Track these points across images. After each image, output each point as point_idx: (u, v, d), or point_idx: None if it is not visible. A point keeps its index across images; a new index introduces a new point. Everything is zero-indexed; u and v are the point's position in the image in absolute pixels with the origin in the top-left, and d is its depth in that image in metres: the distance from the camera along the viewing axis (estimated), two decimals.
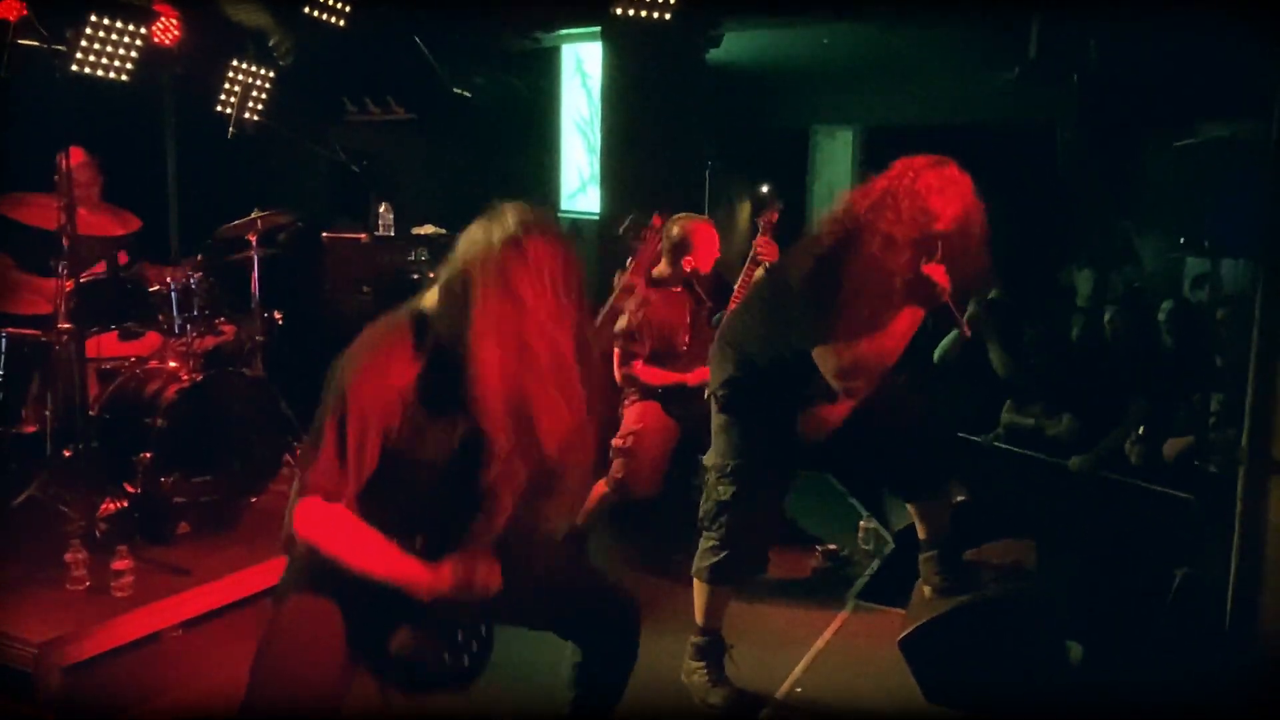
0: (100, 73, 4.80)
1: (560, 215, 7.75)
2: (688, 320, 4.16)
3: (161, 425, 3.78)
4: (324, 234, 5.91)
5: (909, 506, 3.14)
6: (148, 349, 4.17)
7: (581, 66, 7.48)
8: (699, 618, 3.10)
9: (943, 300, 2.63)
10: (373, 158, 6.18)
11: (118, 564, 3.28)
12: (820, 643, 3.49)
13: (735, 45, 6.44)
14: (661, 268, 4.19)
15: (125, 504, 3.73)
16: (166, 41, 5.20)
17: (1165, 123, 6.41)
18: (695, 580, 3.07)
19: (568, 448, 1.99)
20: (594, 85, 7.14)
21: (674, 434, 4.08)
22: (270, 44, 5.84)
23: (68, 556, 3.33)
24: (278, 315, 4.59)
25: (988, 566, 3.15)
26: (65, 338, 3.76)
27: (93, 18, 4.74)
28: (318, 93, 6.40)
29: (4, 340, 4.02)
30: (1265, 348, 2.98)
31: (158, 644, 3.28)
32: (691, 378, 4.04)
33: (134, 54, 4.91)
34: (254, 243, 4.48)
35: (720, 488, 2.95)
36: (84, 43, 4.71)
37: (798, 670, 3.29)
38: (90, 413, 3.82)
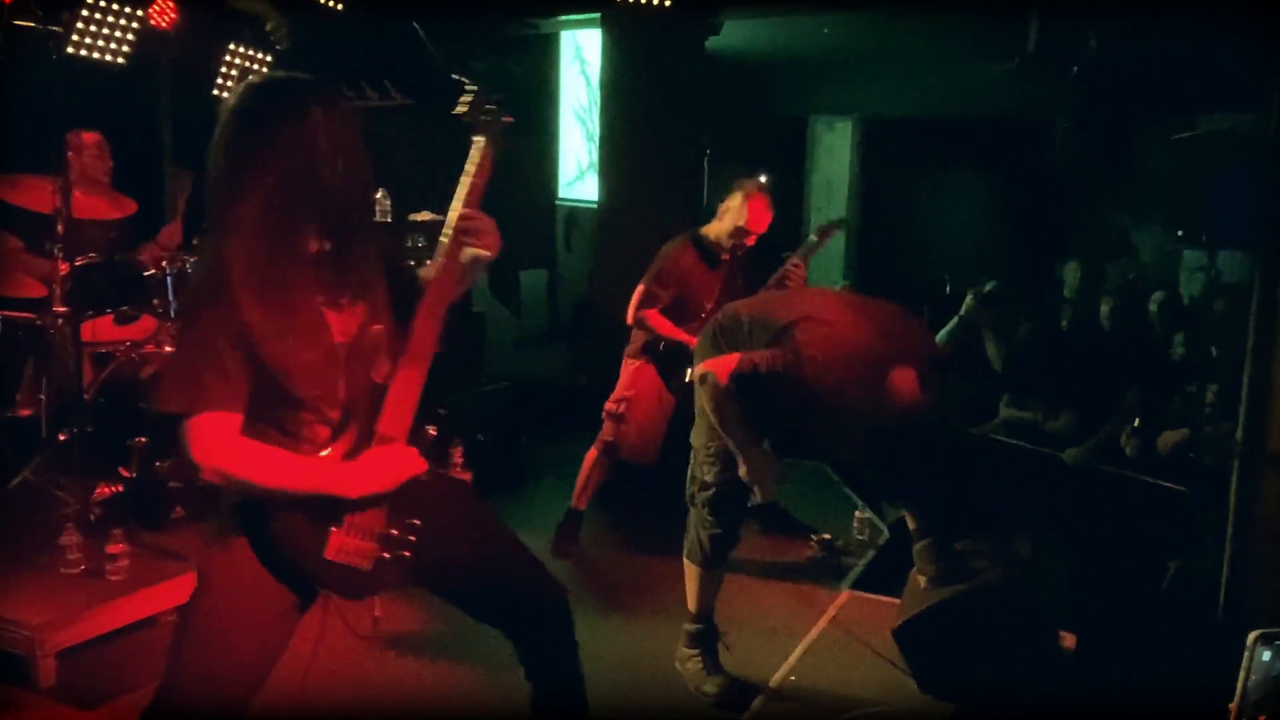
0: (97, 55, 4.77)
1: (558, 203, 7.75)
2: (716, 289, 4.09)
3: (156, 410, 3.77)
4: None
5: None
6: (143, 333, 4.16)
7: (580, 53, 7.45)
8: (690, 603, 3.11)
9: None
10: (370, 143, 6.14)
11: (112, 548, 3.28)
12: (815, 632, 3.50)
13: (734, 34, 6.42)
14: (716, 229, 4.07)
15: (120, 488, 3.73)
16: (163, 25, 5.16)
17: (1163, 115, 6.41)
18: (686, 563, 3.10)
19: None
20: (593, 72, 7.12)
21: (669, 405, 4.06)
22: (267, 28, 5.80)
23: (62, 540, 3.33)
24: None
25: (982, 557, 3.16)
26: (60, 321, 3.75)
27: (89, 0, 4.71)
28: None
29: None
30: (1261, 340, 2.98)
31: (152, 628, 3.28)
32: (694, 341, 4.01)
33: (130, 37, 4.88)
34: None
35: (704, 467, 2.98)
36: (80, 25, 4.68)
37: (792, 659, 3.31)
38: (85, 397, 3.81)
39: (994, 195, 7.32)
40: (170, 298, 4.02)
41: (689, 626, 3.13)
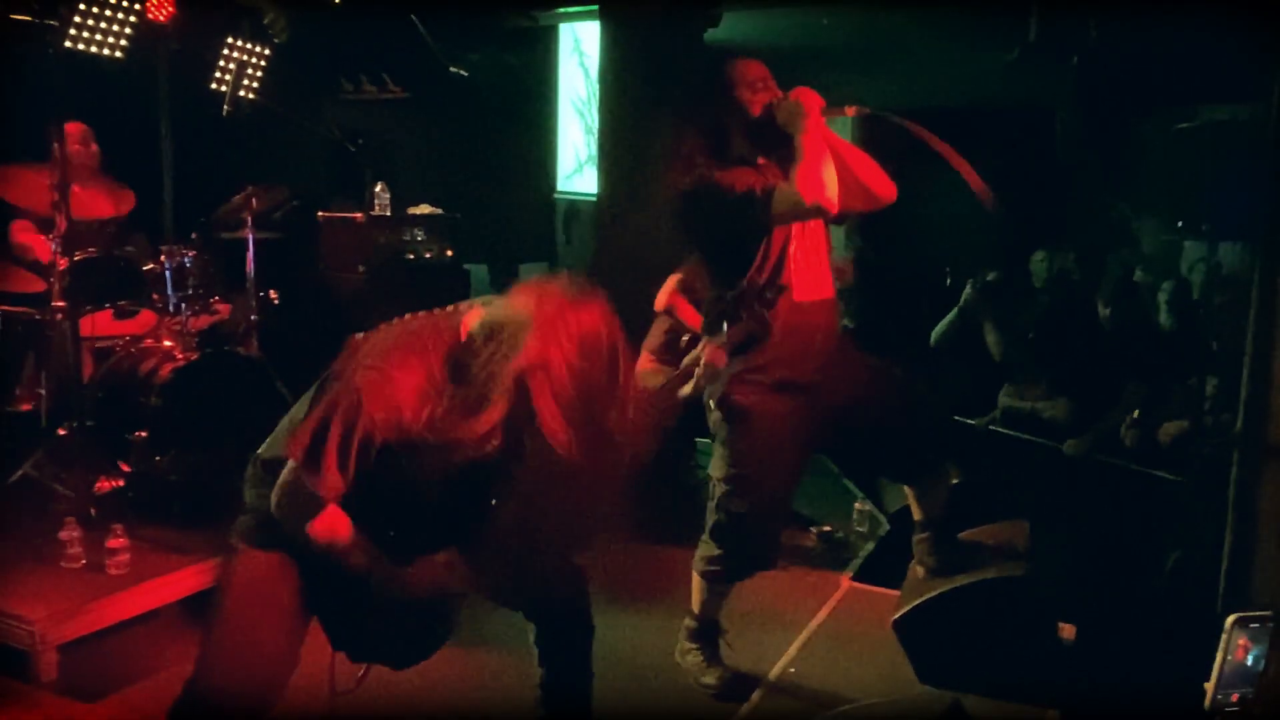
0: (94, 49, 4.76)
1: (557, 196, 7.74)
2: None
3: (156, 404, 3.78)
4: (319, 213, 5.89)
5: (905, 489, 3.14)
6: (142, 328, 4.16)
7: (579, 46, 7.44)
8: (696, 608, 3.09)
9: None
10: (369, 137, 6.15)
11: (113, 542, 3.28)
12: (814, 624, 3.50)
13: (734, 25, 6.40)
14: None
15: (120, 482, 3.74)
16: (161, 18, 5.15)
17: (1164, 106, 6.39)
18: (695, 575, 3.05)
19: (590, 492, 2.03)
20: (591, 65, 7.10)
21: (677, 407, 4.05)
22: (265, 21, 5.80)
23: (63, 534, 3.34)
24: (273, 294, 4.57)
25: (981, 548, 3.16)
26: (59, 316, 3.75)
27: None
28: (313, 71, 6.37)
29: None
30: (1261, 332, 2.98)
31: (153, 622, 3.29)
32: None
33: (128, 30, 4.87)
34: (249, 222, 4.47)
35: (734, 499, 2.85)
36: (77, 18, 4.67)
37: (791, 651, 3.31)
38: (85, 391, 3.81)
39: (994, 185, 7.30)
40: (169, 292, 4.03)
41: (689, 622, 3.13)
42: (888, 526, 4.32)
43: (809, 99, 2.67)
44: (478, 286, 6.47)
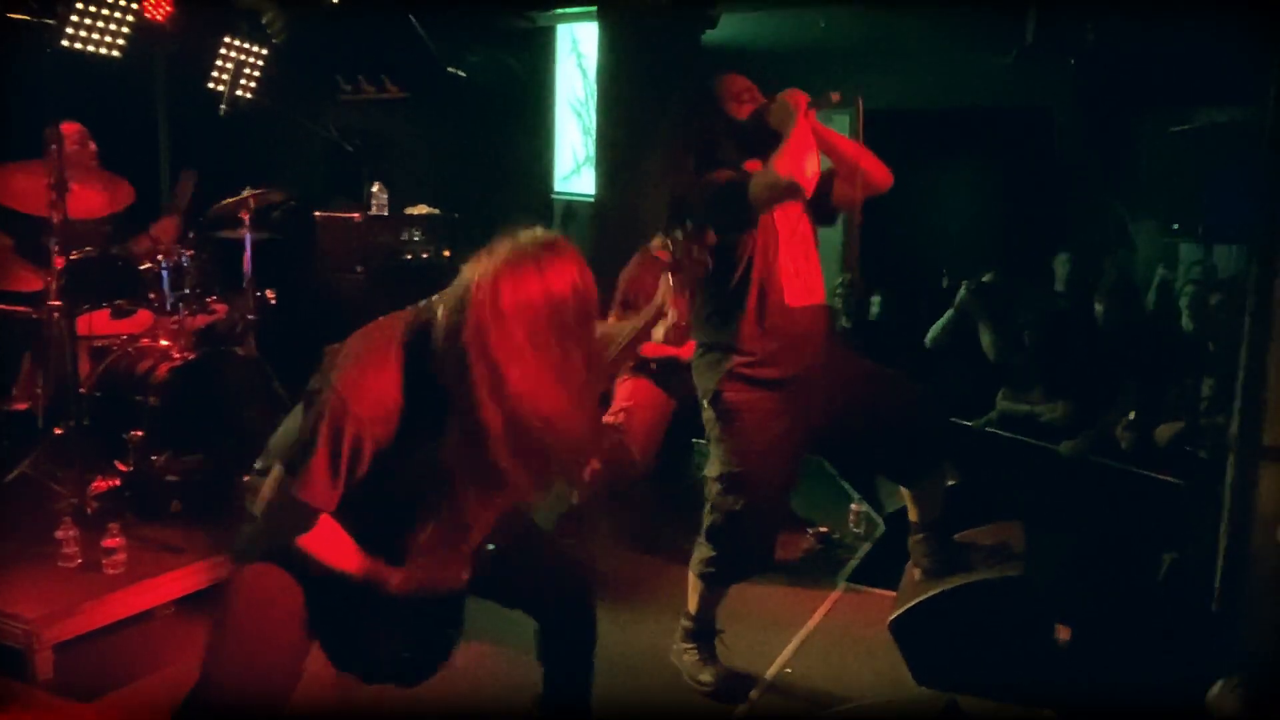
0: (91, 48, 4.76)
1: (554, 197, 7.73)
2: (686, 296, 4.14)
3: (153, 403, 3.78)
4: (317, 213, 5.89)
5: (903, 490, 3.14)
6: (139, 327, 4.16)
7: (577, 46, 7.43)
8: (693, 609, 3.09)
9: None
10: (366, 137, 6.15)
11: (109, 541, 3.28)
12: (810, 624, 3.51)
13: (731, 26, 6.40)
14: (659, 239, 4.17)
15: (117, 482, 3.73)
16: (158, 17, 5.15)
17: (1161, 108, 6.41)
18: (692, 576, 3.05)
19: (569, 459, 1.99)
20: (589, 66, 7.10)
21: (667, 411, 4.08)
22: (263, 20, 5.80)
23: (59, 533, 3.34)
24: (270, 294, 4.57)
25: (978, 549, 3.17)
26: (56, 315, 3.75)
27: None
28: (311, 70, 6.36)
29: None
30: (1257, 334, 2.99)
31: (149, 621, 3.29)
32: (685, 352, 4.04)
33: (125, 29, 4.87)
34: (246, 221, 4.47)
35: (729, 498, 2.86)
36: (74, 17, 4.67)
37: (788, 651, 3.32)
38: (81, 390, 3.81)
39: (991, 187, 7.32)
40: (166, 291, 4.03)
41: (685, 622, 3.13)
42: (884, 528, 4.33)
43: (796, 99, 2.73)
44: None
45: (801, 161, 2.60)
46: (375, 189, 5.88)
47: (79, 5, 4.69)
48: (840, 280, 6.49)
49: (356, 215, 5.79)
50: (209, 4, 5.51)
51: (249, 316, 4.46)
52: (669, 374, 4.07)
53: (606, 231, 6.11)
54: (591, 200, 6.66)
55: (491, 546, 2.14)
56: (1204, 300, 4.88)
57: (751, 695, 3.06)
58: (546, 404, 1.82)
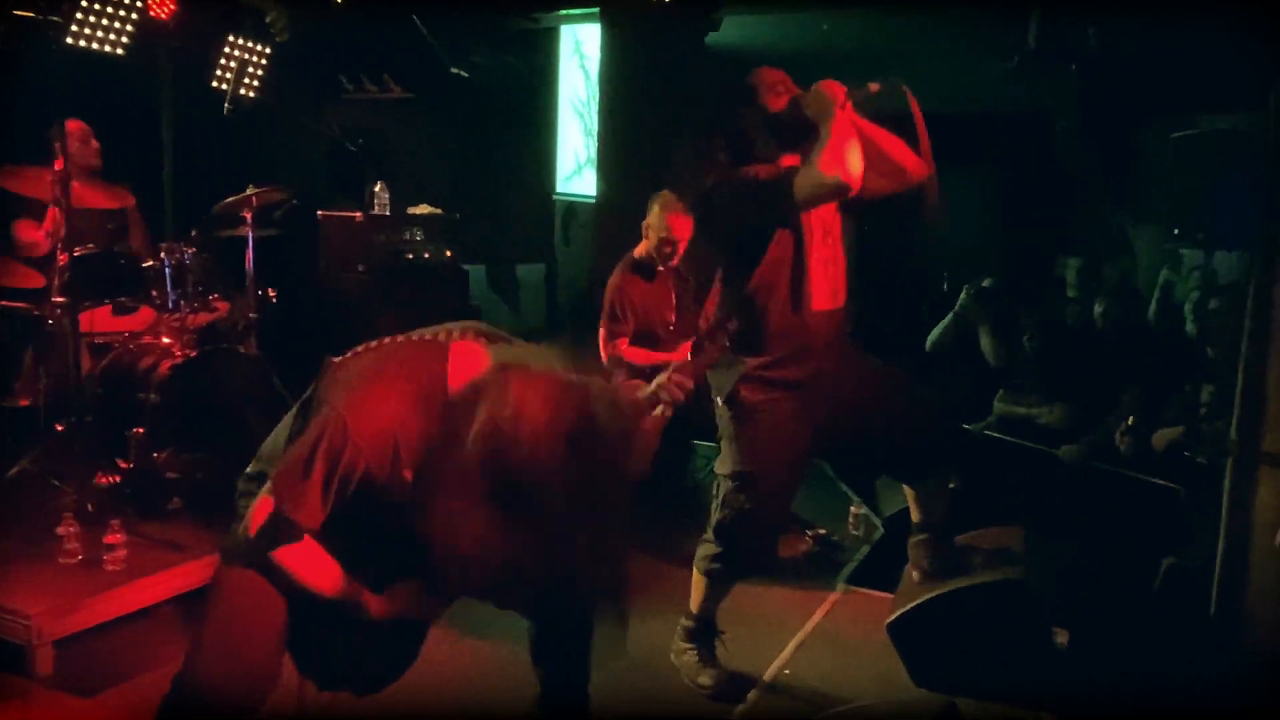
0: (96, 46, 4.77)
1: (556, 198, 7.74)
2: (673, 300, 4.17)
3: (155, 400, 3.78)
4: (319, 212, 5.90)
5: (908, 491, 3.15)
6: (141, 324, 4.17)
7: (580, 48, 7.44)
8: (695, 607, 3.10)
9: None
10: (369, 136, 6.16)
11: (110, 538, 3.29)
12: (809, 626, 3.52)
13: (734, 29, 6.42)
14: (642, 247, 4.20)
15: (118, 479, 3.74)
16: (163, 16, 5.17)
17: (1164, 114, 6.41)
18: (696, 573, 3.06)
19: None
20: (592, 67, 7.11)
21: (665, 417, 4.09)
22: (267, 20, 5.80)
23: (60, 530, 3.34)
24: (272, 293, 4.58)
25: (976, 552, 3.17)
26: (59, 312, 3.76)
27: None
28: (314, 70, 6.37)
29: None
30: (1257, 340, 2.99)
31: (150, 618, 3.29)
32: (677, 357, 4.06)
33: (130, 28, 4.88)
34: (249, 220, 4.47)
35: (740, 497, 2.87)
36: (79, 15, 4.68)
37: (786, 652, 3.32)
38: (83, 387, 3.82)
39: (993, 192, 7.33)
40: (168, 289, 4.03)
41: (687, 622, 3.14)
42: (883, 530, 4.33)
43: (833, 90, 2.69)
44: (476, 287, 6.48)
45: (846, 158, 2.57)
46: (378, 188, 5.88)
47: (83, 3, 4.70)
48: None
49: (359, 215, 5.79)
50: (213, 3, 5.53)
51: (251, 315, 4.47)
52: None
53: (608, 232, 6.12)
54: (593, 201, 6.67)
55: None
56: (1204, 306, 4.89)
57: (750, 696, 3.07)
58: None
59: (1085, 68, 6.52)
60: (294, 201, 5.14)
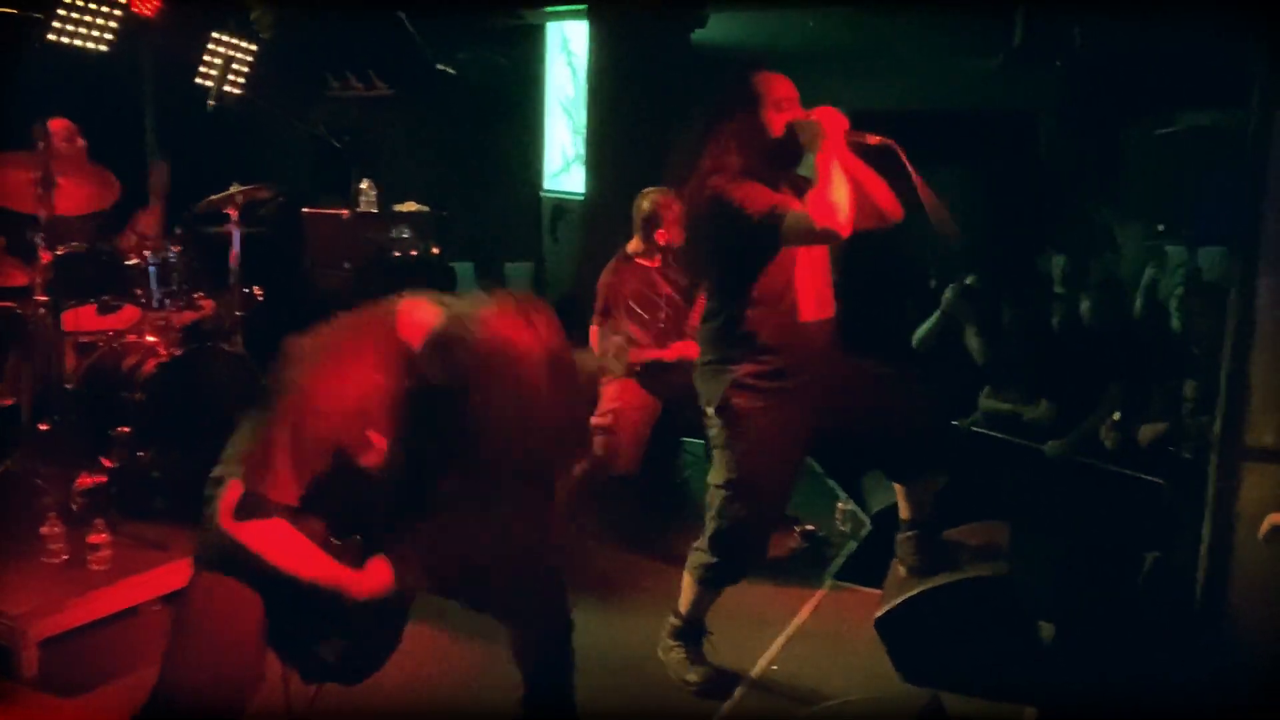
0: (78, 42, 4.74)
1: (543, 195, 7.74)
2: (664, 296, 4.17)
3: (139, 399, 3.76)
4: (305, 209, 5.88)
5: (897, 487, 3.15)
6: (125, 323, 4.14)
7: (567, 45, 7.44)
8: (684, 608, 3.09)
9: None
10: (355, 133, 6.14)
11: (94, 538, 3.27)
12: (796, 622, 3.52)
13: (720, 26, 6.42)
14: (635, 243, 4.20)
15: (102, 478, 3.71)
16: (146, 12, 5.13)
17: (1148, 111, 6.46)
18: (687, 577, 3.05)
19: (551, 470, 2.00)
20: (579, 64, 7.11)
21: (654, 411, 4.10)
22: (251, 16, 5.78)
23: (44, 530, 3.32)
24: (257, 291, 4.55)
25: (963, 548, 3.18)
26: (42, 310, 3.73)
27: None
28: (299, 67, 6.35)
29: None
30: (1240, 335, 3.01)
31: (134, 618, 3.27)
32: (669, 353, 4.06)
33: (113, 24, 4.85)
34: (234, 217, 4.45)
35: (735, 506, 2.85)
36: (61, 11, 4.65)
37: (773, 649, 3.33)
38: (67, 386, 3.79)
39: (978, 189, 7.36)
40: (153, 287, 4.01)
41: (675, 620, 3.13)
42: (870, 526, 4.34)
43: (833, 122, 2.65)
44: (464, 284, 6.47)
45: (835, 204, 2.54)
46: (364, 186, 5.86)
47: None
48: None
49: (345, 212, 5.77)
50: None
51: (236, 313, 4.44)
52: (655, 375, 4.09)
53: (595, 229, 6.12)
54: (580, 198, 6.66)
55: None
56: (1188, 302, 4.92)
57: (737, 692, 3.07)
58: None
59: (1070, 65, 6.55)
60: (279, 199, 5.13)
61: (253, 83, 5.54)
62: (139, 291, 4.01)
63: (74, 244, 3.89)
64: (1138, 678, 2.89)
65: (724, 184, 2.70)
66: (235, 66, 5.47)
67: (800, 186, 2.77)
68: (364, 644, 2.12)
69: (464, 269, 6.71)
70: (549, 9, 7.11)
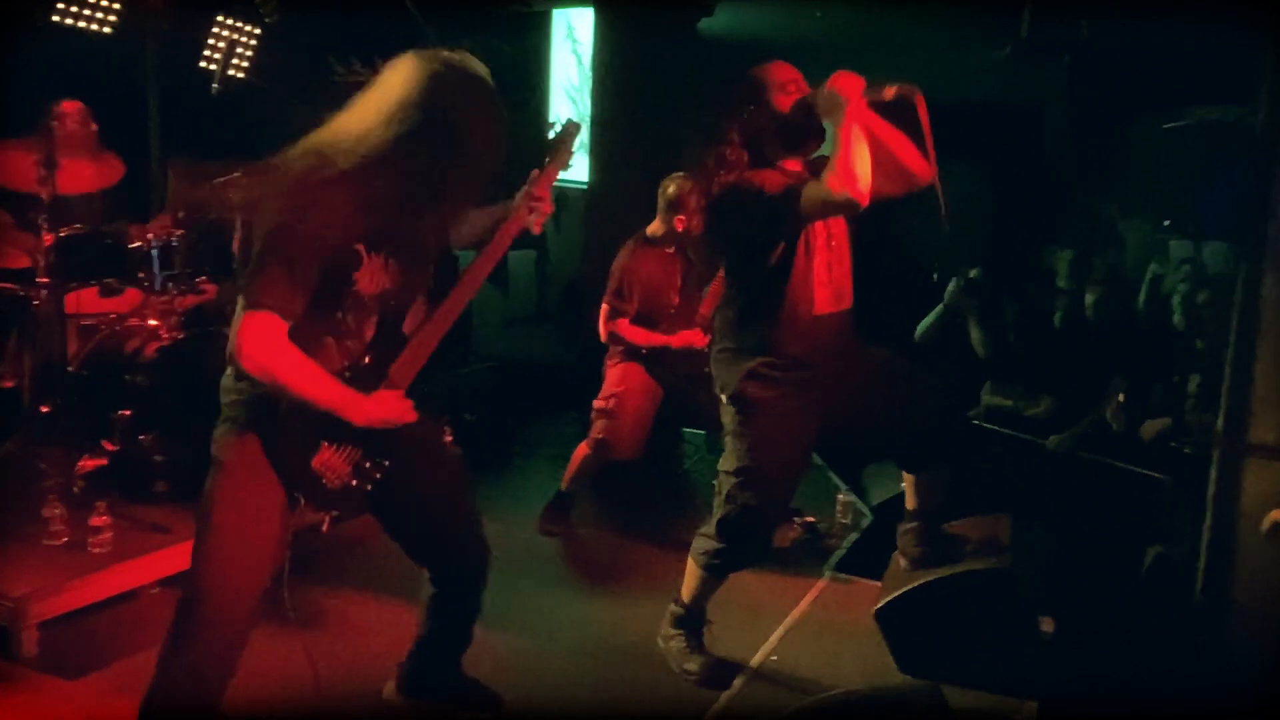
0: (82, 24, 4.72)
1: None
2: (678, 282, 4.16)
3: (141, 383, 3.76)
4: None
5: (906, 478, 3.15)
6: (128, 306, 4.13)
7: (572, 33, 7.41)
8: (686, 596, 3.10)
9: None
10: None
11: (96, 520, 3.27)
12: (796, 613, 3.53)
13: (727, 15, 6.40)
14: (655, 226, 4.18)
15: (103, 461, 3.72)
16: None
17: (1154, 105, 6.43)
18: (691, 564, 3.06)
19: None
20: (584, 52, 7.09)
21: (657, 397, 4.09)
22: (256, 0, 5.75)
23: (45, 512, 3.32)
24: None
25: (964, 541, 3.18)
26: (44, 293, 3.73)
27: None
28: (304, 51, 6.32)
29: None
30: (1244, 331, 3.00)
31: (135, 601, 3.28)
32: (676, 340, 4.05)
33: (117, 5, 4.83)
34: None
35: (746, 493, 2.86)
36: None
37: (773, 639, 3.33)
38: (69, 369, 3.79)
39: (983, 182, 7.34)
40: (155, 270, 4.00)
41: (676, 609, 3.14)
42: (870, 518, 4.34)
43: (849, 84, 2.63)
44: None
45: (854, 172, 2.51)
46: None
47: None
48: None
49: None
50: None
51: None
52: (659, 361, 4.09)
53: (599, 218, 6.11)
54: (584, 187, 6.65)
55: None
56: (1192, 297, 4.91)
57: (736, 682, 3.08)
58: None
59: (1077, 58, 6.52)
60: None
61: (257, 67, 5.51)
62: (142, 275, 4.00)
63: (77, 226, 3.88)
64: (1138, 672, 2.89)
65: (738, 176, 2.71)
66: (240, 50, 5.44)
67: (816, 166, 2.76)
68: (363, 471, 2.23)
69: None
70: None
